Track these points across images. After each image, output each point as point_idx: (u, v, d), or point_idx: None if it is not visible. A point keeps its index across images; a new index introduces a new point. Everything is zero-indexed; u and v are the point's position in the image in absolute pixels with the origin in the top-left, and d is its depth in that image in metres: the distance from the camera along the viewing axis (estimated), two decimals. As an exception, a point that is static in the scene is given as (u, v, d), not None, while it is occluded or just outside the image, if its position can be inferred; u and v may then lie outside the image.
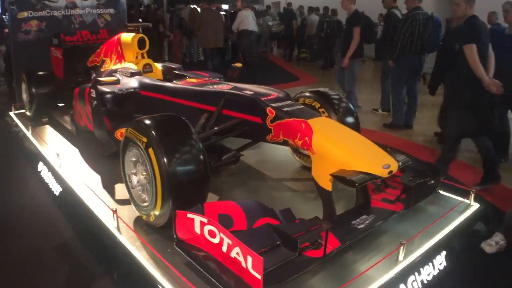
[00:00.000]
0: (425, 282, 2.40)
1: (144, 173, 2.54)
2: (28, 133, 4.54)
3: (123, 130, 3.52)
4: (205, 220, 2.02)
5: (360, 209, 2.58)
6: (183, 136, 2.41)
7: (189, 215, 2.08)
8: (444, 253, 2.58)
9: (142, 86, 3.67)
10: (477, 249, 2.86)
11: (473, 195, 2.97)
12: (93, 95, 3.48)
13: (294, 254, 1.94)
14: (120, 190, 3.11)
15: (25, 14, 5.74)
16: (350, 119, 3.16)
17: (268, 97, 2.88)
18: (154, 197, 2.39)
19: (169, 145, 2.32)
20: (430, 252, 2.50)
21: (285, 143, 2.64)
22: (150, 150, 2.32)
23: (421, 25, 5.83)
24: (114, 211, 2.60)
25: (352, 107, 3.30)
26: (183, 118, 2.54)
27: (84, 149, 3.93)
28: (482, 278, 2.73)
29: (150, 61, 4.28)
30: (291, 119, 2.57)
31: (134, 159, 2.63)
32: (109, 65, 4.39)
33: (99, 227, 2.70)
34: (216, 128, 2.94)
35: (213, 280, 1.93)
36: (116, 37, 4.46)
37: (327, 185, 2.37)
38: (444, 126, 4.49)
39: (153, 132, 2.34)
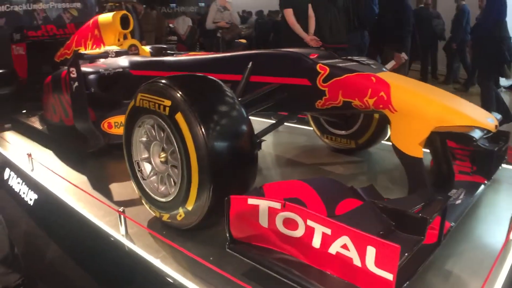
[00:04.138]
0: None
1: (164, 155, 1.83)
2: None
3: (111, 119, 2.86)
4: (277, 206, 1.35)
5: (444, 183, 2.00)
6: (221, 97, 1.73)
7: (251, 201, 1.40)
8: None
9: (134, 64, 2.98)
10: None
11: None
12: (73, 75, 2.72)
13: (421, 239, 1.31)
14: (118, 189, 2.42)
15: (-19, 10, 5.08)
16: None
17: (310, 56, 2.25)
18: (184, 184, 1.67)
19: (206, 108, 1.63)
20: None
21: (346, 106, 2.00)
22: (179, 116, 1.61)
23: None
24: (121, 212, 1.88)
25: None
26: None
27: (60, 148, 3.16)
28: None
29: (136, 41, 3.59)
30: (353, 74, 1.95)
31: (144, 138, 1.92)
32: (85, 54, 3.66)
33: (100, 238, 1.96)
34: (241, 98, 2.24)
35: None
36: (91, 20, 3.79)
37: (416, 150, 1.76)
38: None
39: (179, 91, 1.65)
